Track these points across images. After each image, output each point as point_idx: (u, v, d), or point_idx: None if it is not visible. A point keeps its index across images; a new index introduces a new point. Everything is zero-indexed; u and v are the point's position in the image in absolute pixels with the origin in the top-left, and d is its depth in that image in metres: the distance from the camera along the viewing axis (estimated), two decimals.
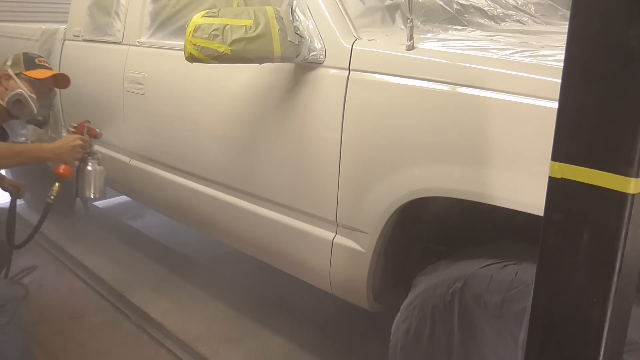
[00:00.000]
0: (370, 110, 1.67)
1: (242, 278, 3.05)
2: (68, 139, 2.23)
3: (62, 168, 2.28)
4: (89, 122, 2.44)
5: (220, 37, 1.65)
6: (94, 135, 2.42)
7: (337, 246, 1.81)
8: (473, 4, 2.24)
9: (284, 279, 2.24)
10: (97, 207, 4.05)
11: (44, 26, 3.51)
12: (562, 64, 0.89)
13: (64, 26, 3.32)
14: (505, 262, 1.44)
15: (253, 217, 2.10)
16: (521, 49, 1.54)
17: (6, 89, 2.34)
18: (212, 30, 1.65)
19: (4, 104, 2.33)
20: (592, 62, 0.85)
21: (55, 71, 2.47)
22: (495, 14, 2.28)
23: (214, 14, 1.68)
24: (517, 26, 2.26)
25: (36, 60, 2.45)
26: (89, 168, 2.38)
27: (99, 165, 2.40)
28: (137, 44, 2.69)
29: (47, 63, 2.50)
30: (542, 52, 1.53)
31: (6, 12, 5.13)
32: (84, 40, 3.12)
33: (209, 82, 2.21)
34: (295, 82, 1.85)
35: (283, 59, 1.75)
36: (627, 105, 0.81)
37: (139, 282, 2.99)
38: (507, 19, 2.30)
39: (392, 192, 1.61)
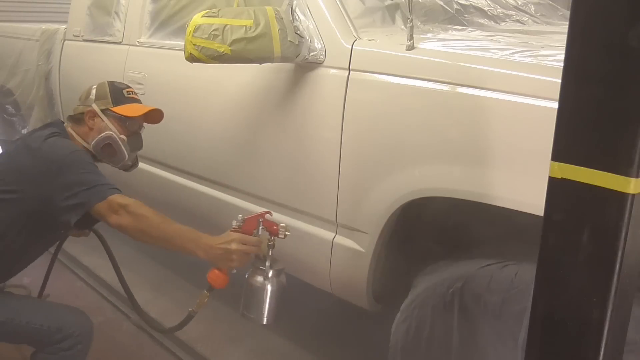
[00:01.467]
0: (370, 110, 1.67)
1: (242, 278, 3.04)
2: (225, 238, 1.62)
3: (214, 274, 1.69)
4: (268, 213, 1.70)
5: (220, 37, 1.65)
6: (274, 234, 1.64)
7: (337, 246, 1.81)
8: (473, 4, 2.24)
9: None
10: None
11: (44, 26, 3.52)
12: (562, 64, 0.89)
13: (64, 26, 3.32)
14: (505, 262, 1.44)
15: None
16: (521, 49, 1.54)
17: (91, 129, 1.92)
18: (212, 30, 1.65)
19: (90, 148, 1.91)
20: (592, 62, 0.85)
21: (149, 106, 2.01)
22: (495, 14, 2.28)
23: (214, 14, 1.68)
24: (517, 26, 2.26)
25: (124, 92, 1.99)
26: (259, 283, 1.67)
27: (276, 278, 1.67)
28: (137, 44, 2.69)
29: (136, 94, 2.04)
30: (542, 52, 1.53)
31: (6, 12, 5.13)
32: (84, 40, 3.12)
33: (209, 82, 2.21)
34: (295, 82, 1.85)
35: (283, 59, 1.75)
36: (627, 105, 0.81)
37: (139, 282, 2.98)
38: (507, 19, 2.30)
39: (392, 192, 1.61)
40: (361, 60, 1.70)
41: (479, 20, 2.17)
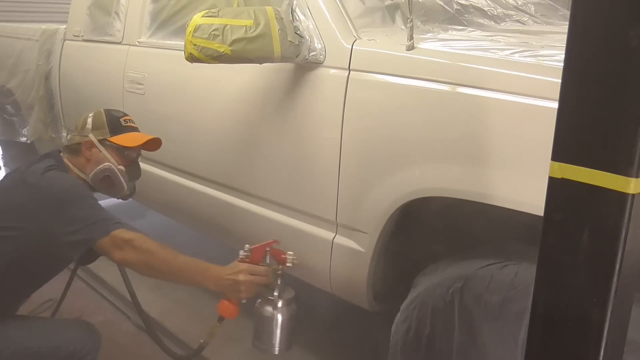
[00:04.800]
0: (370, 110, 1.67)
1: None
2: (233, 269, 1.60)
3: (224, 305, 1.65)
4: (275, 242, 1.68)
5: (220, 37, 1.65)
6: (282, 263, 1.65)
7: (337, 246, 1.81)
8: (473, 4, 2.24)
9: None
10: None
11: (44, 26, 3.51)
12: (562, 64, 0.89)
13: (64, 26, 3.32)
14: (505, 262, 1.44)
15: (253, 217, 2.10)
16: (521, 49, 1.54)
17: (88, 160, 1.85)
18: (212, 30, 1.65)
19: (87, 179, 1.84)
20: (592, 62, 0.85)
21: (149, 136, 1.93)
22: (495, 14, 2.28)
23: (214, 14, 1.68)
24: (517, 26, 2.26)
25: (122, 120, 1.91)
26: (269, 313, 1.65)
27: (286, 308, 1.66)
28: (137, 44, 2.69)
29: (133, 123, 1.96)
30: (542, 52, 1.53)
31: (6, 12, 5.13)
32: (84, 40, 3.12)
33: (209, 82, 2.21)
34: (295, 82, 1.85)
35: (283, 59, 1.75)
36: (627, 105, 0.81)
37: (139, 282, 2.98)
38: (507, 19, 2.30)
39: (392, 192, 1.61)
40: (361, 60, 1.70)
41: (479, 20, 2.17)
